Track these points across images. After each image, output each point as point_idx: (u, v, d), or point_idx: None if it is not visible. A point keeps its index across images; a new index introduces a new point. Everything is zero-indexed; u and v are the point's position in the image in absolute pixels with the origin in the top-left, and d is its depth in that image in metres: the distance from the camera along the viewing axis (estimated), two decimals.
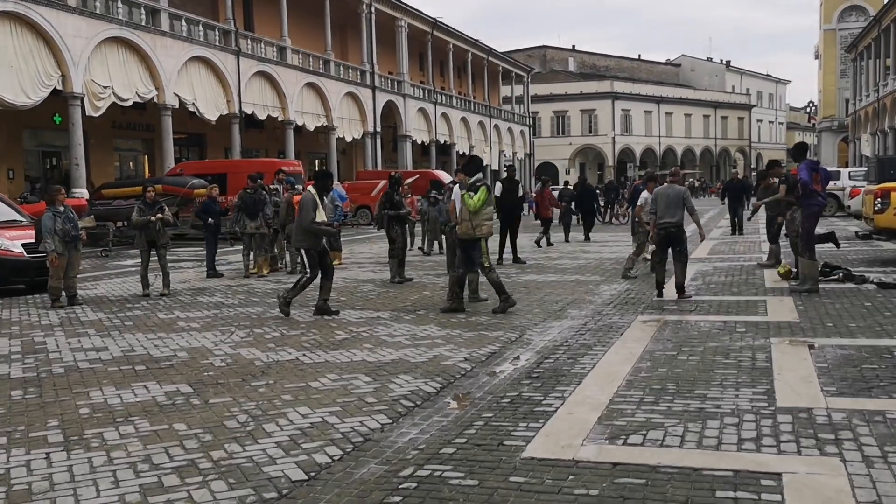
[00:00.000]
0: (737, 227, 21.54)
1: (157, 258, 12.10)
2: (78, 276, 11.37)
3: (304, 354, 7.36)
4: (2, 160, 28.26)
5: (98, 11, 27.38)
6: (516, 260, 15.62)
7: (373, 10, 46.22)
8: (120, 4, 28.46)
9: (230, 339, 8.14)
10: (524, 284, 12.42)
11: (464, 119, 59.66)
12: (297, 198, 14.07)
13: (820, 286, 10.91)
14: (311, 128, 40.93)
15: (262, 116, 36.99)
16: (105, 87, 27.67)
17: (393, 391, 6.00)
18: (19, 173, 29.00)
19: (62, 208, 10.83)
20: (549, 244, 19.20)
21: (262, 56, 36.95)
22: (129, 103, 29.15)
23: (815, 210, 10.77)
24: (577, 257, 16.78)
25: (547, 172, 77.44)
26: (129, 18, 29.03)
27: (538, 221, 19.91)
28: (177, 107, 31.15)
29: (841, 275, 11.65)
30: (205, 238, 14.29)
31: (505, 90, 73.68)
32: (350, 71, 44.91)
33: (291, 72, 38.78)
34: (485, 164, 62.12)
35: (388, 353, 7.34)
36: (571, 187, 26.49)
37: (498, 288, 9.63)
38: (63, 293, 10.93)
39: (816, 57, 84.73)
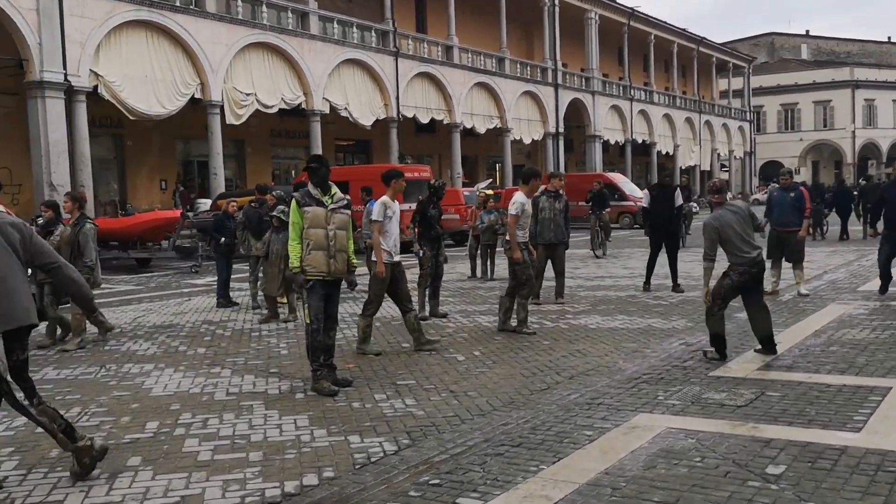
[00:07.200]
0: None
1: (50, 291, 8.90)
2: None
3: None
4: (155, 171, 28.61)
5: (241, 17, 26.79)
6: (676, 287, 12.04)
7: (556, 3, 42.92)
8: (265, 9, 27.75)
9: None
10: (566, 331, 9.00)
11: (667, 116, 54.47)
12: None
13: None
14: (482, 130, 38.55)
15: (424, 120, 35.17)
16: (248, 95, 27.05)
17: None
18: (172, 184, 29.22)
19: None
20: None
21: (426, 56, 35.10)
22: (275, 110, 28.44)
23: None
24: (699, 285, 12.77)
25: (774, 172, 69.68)
26: (277, 23, 28.26)
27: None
28: (327, 112, 30.08)
29: None
30: (216, 260, 12.18)
31: (723, 83, 66.83)
32: (528, 69, 41.97)
33: (458, 72, 36.62)
34: (690, 165, 56.42)
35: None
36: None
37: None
38: None
39: None
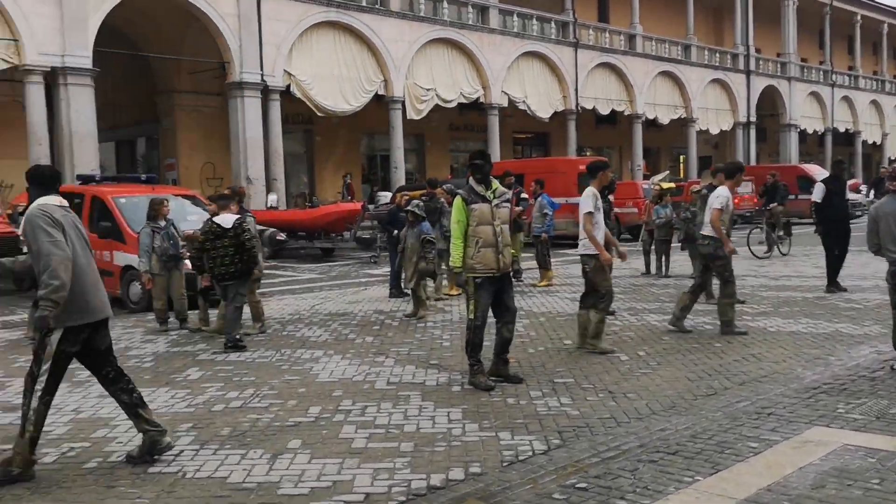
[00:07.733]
0: None
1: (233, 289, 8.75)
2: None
3: None
4: (340, 165, 29.97)
5: (423, 14, 27.45)
6: (833, 285, 11.41)
7: None
8: (446, 5, 28.28)
9: None
10: (743, 334, 8.47)
11: (874, 102, 50.15)
12: None
13: None
14: (665, 121, 37.25)
15: (604, 111, 34.53)
16: (428, 90, 27.69)
17: None
18: (356, 177, 30.49)
19: (163, 223, 9.78)
20: None
21: (607, 46, 34.38)
22: (453, 104, 28.90)
23: None
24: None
25: None
26: (457, 18, 28.74)
27: None
28: (505, 105, 30.22)
29: None
30: (389, 252, 12.54)
31: None
32: (717, 55, 40.02)
33: (640, 61, 35.60)
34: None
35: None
36: None
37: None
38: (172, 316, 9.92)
39: None
